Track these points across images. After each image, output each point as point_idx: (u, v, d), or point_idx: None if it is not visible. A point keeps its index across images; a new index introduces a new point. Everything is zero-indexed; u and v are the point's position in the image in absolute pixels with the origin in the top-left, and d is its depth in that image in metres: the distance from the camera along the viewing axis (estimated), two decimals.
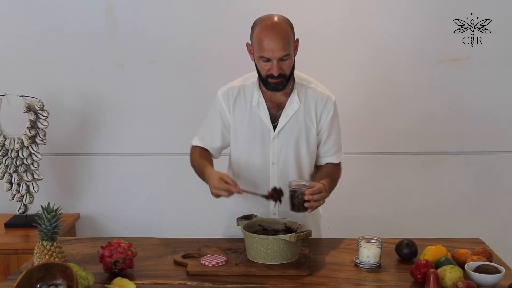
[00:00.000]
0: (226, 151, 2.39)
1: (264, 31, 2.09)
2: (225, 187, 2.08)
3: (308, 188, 2.05)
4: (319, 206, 2.11)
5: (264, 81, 2.16)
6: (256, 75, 2.25)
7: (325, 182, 2.16)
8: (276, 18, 2.12)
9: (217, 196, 2.12)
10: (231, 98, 2.27)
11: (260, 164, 2.27)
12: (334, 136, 2.31)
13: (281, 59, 2.10)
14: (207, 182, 2.18)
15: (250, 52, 2.20)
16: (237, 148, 2.30)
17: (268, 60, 2.10)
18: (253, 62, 2.21)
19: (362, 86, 3.24)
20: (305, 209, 2.07)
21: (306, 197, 2.04)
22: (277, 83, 2.14)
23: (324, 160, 2.34)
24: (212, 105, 2.33)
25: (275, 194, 2.13)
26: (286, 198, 2.14)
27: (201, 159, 2.31)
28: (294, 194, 2.07)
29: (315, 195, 2.05)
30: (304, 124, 2.25)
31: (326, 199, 2.13)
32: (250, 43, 2.18)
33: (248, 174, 2.29)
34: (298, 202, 2.06)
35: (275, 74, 2.11)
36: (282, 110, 2.24)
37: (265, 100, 2.24)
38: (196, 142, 2.38)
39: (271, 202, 2.25)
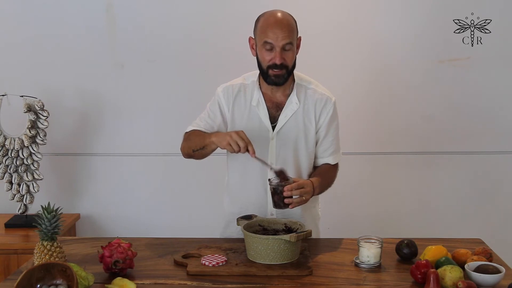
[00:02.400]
0: (225, 151, 2.39)
1: (270, 19, 2.12)
2: (247, 140, 2.03)
3: (287, 184, 2.05)
4: (302, 202, 2.09)
5: (265, 74, 2.16)
6: (257, 74, 2.25)
7: (314, 180, 2.15)
8: (282, 12, 2.16)
9: (229, 144, 2.03)
10: (231, 95, 2.26)
11: (257, 164, 2.26)
12: (332, 137, 2.30)
13: (284, 49, 2.11)
14: (216, 138, 2.09)
15: (252, 47, 2.21)
16: None
17: (271, 49, 2.10)
18: (255, 58, 2.20)
19: (362, 86, 3.24)
20: (286, 206, 2.06)
21: (285, 193, 2.03)
22: (278, 75, 2.14)
23: (321, 161, 2.33)
24: (211, 101, 2.32)
25: (281, 174, 2.09)
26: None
27: (199, 132, 2.23)
28: (274, 191, 2.07)
29: (294, 191, 2.04)
30: (303, 124, 2.24)
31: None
32: (253, 37, 2.19)
33: (246, 173, 2.28)
34: (279, 199, 2.06)
35: (278, 62, 2.10)
36: (281, 111, 2.24)
37: (264, 100, 2.24)
38: (190, 128, 2.31)
39: (269, 203, 2.25)
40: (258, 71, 2.25)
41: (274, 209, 2.16)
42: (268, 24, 2.11)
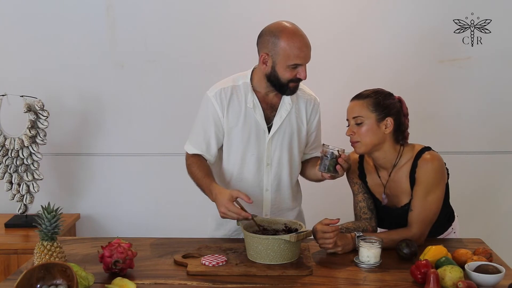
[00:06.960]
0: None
1: (295, 39, 2.12)
2: (236, 211, 2.05)
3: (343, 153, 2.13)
4: (338, 177, 2.16)
5: (284, 86, 2.17)
6: (247, 76, 2.25)
7: None
8: (293, 25, 2.16)
9: (225, 217, 2.10)
10: (225, 99, 2.23)
11: (253, 165, 2.27)
12: (319, 135, 2.41)
13: None
14: (213, 200, 2.15)
15: (264, 62, 2.16)
16: (231, 150, 2.28)
17: (297, 66, 2.13)
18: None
19: (361, 86, 3.22)
20: (335, 171, 2.11)
21: (339, 160, 2.10)
22: (296, 86, 2.19)
23: (308, 156, 2.42)
24: (202, 107, 2.29)
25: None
26: None
27: (201, 173, 2.24)
28: (330, 155, 2.11)
29: (345, 164, 2.11)
30: (296, 124, 2.29)
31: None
32: (268, 54, 2.13)
33: (241, 175, 2.29)
34: (330, 164, 2.11)
35: (304, 78, 2.15)
36: (276, 111, 2.25)
37: (259, 102, 2.25)
38: (191, 149, 2.30)
39: (264, 204, 2.29)
40: (246, 72, 2.27)
41: (311, 177, 2.30)
42: (298, 45, 2.11)
